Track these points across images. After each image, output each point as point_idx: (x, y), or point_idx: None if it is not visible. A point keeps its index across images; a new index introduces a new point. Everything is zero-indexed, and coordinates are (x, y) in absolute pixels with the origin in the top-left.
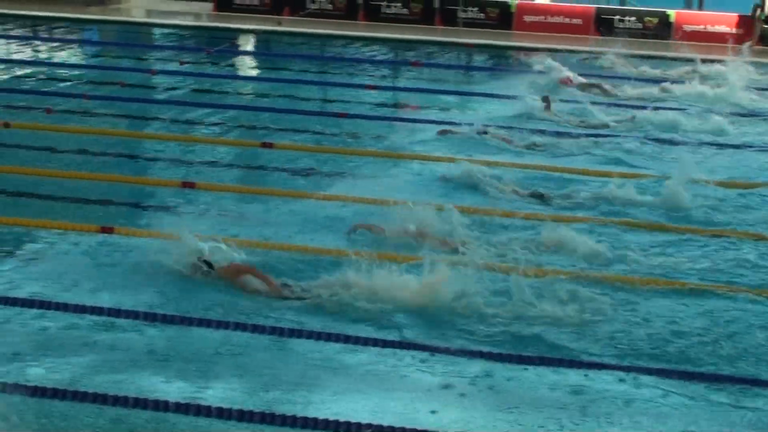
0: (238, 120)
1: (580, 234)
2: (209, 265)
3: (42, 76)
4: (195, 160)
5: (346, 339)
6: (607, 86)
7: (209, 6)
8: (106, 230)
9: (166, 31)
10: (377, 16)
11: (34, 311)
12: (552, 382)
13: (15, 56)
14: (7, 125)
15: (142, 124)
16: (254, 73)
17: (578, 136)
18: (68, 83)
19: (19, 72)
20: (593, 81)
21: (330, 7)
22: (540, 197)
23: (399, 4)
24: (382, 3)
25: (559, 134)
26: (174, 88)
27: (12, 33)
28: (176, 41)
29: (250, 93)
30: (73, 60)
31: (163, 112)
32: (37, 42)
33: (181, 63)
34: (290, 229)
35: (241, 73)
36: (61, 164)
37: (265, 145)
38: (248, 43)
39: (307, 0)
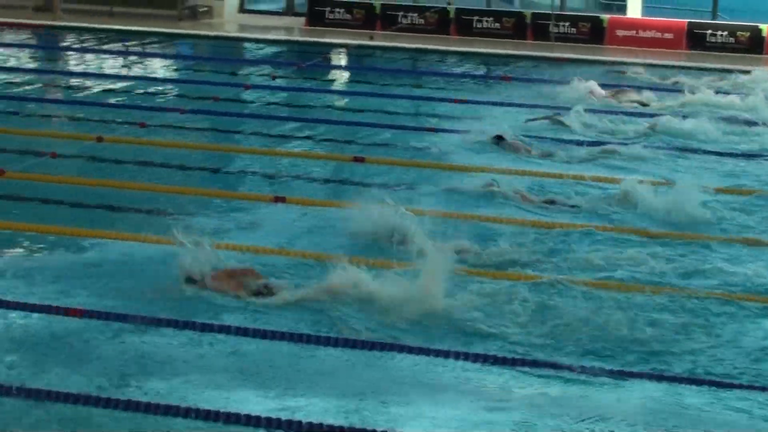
0: (329, 134)
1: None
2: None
3: (135, 91)
4: (286, 174)
5: (436, 353)
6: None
7: (301, 20)
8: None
9: (258, 45)
10: (469, 31)
11: (126, 326)
12: (640, 396)
13: (108, 71)
14: (100, 139)
15: (234, 138)
16: (346, 87)
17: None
18: (161, 97)
19: (112, 86)
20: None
21: (422, 21)
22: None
23: (491, 19)
24: (473, 17)
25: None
26: (266, 103)
27: (105, 48)
28: (268, 56)
29: (341, 107)
30: (166, 74)
31: (255, 126)
32: (130, 56)
33: (273, 77)
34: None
35: (333, 87)
36: (154, 178)
37: (356, 159)
38: (340, 58)
39: (399, 15)
